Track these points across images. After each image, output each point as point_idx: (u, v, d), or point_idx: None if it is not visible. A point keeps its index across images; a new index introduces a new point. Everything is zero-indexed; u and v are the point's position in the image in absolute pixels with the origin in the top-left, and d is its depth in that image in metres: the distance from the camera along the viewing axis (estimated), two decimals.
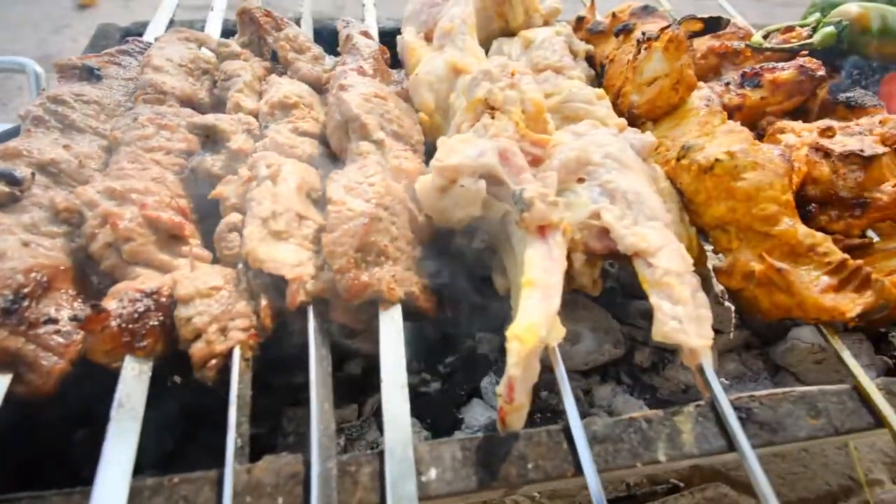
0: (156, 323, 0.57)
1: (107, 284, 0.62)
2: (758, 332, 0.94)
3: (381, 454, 0.53)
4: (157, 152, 0.73)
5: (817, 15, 1.09)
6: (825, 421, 0.60)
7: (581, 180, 0.74)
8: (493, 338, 0.85)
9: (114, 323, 0.55)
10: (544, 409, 0.80)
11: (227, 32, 1.03)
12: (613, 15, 1.08)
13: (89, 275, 0.65)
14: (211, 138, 0.74)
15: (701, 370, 0.61)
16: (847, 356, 0.64)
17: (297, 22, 1.09)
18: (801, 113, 1.03)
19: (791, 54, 1.01)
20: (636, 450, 0.56)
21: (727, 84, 1.00)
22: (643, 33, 0.92)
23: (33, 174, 0.66)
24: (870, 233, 0.82)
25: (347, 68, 0.83)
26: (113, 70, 0.86)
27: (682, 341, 0.59)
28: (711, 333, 0.65)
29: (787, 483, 1.16)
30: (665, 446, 0.57)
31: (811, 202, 0.83)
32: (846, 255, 0.70)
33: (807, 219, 0.82)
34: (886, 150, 0.78)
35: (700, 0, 1.95)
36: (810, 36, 1.01)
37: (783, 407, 0.61)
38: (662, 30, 0.90)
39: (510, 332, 0.55)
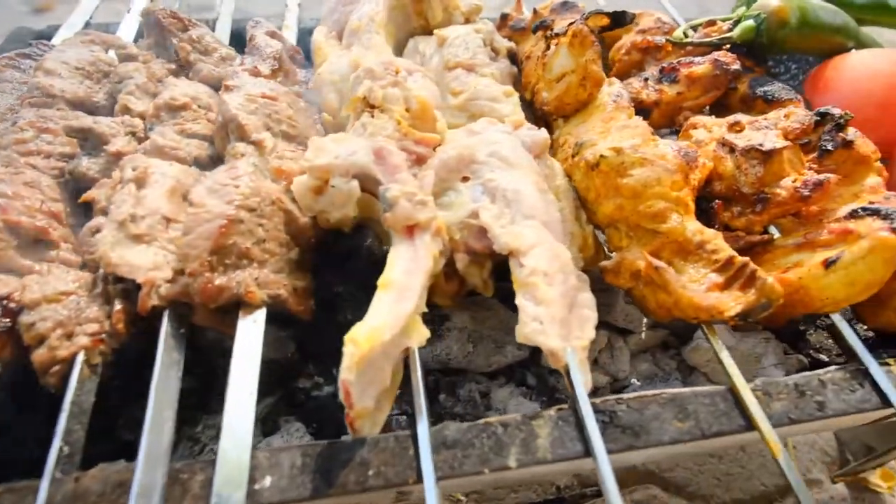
0: (1, 329, 0.56)
1: None
2: (676, 331, 0.91)
3: (212, 462, 0.52)
4: (35, 156, 0.72)
5: (743, 9, 1.07)
6: (692, 424, 0.58)
7: (466, 179, 0.72)
8: None
9: None
10: (444, 413, 0.78)
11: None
12: (535, 11, 1.07)
13: None
14: (90, 141, 0.73)
15: (567, 372, 0.59)
16: (725, 356, 0.62)
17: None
18: (722, 108, 1.01)
19: (711, 48, 0.99)
20: (486, 456, 0.54)
21: (646, 79, 0.98)
22: (551, 29, 0.90)
23: None
24: (773, 229, 0.80)
25: (240, 69, 0.82)
26: (9, 74, 0.85)
27: (541, 343, 0.57)
28: (588, 335, 0.63)
29: (723, 484, 1.13)
30: (518, 451, 0.55)
31: (718, 198, 0.81)
32: (733, 253, 0.68)
33: (710, 215, 0.80)
34: (787, 144, 0.76)
35: None
36: (731, 30, 0.99)
37: (650, 410, 0.59)
38: (569, 25, 0.88)
39: (347, 336, 0.53)
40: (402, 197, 0.62)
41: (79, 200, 0.69)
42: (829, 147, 0.79)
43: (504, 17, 1.11)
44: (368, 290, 0.87)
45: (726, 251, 0.68)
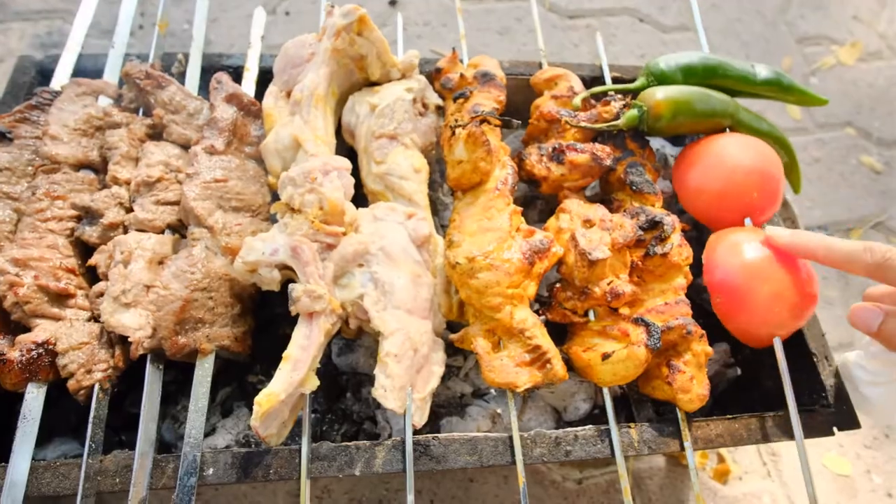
0: (45, 363, 0.89)
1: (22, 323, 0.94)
2: None
3: (178, 456, 0.87)
4: (51, 221, 0.99)
5: (643, 80, 1.21)
6: (477, 458, 0.92)
7: (361, 265, 0.99)
8: None
9: (17, 367, 0.87)
10: (345, 410, 1.13)
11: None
12: (461, 76, 1.21)
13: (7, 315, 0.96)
14: (89, 213, 1.00)
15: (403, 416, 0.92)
16: (513, 417, 0.94)
17: (187, 58, 1.25)
18: (605, 183, 1.20)
19: (600, 132, 1.15)
20: (342, 466, 0.90)
21: (542, 154, 1.17)
22: (456, 120, 1.08)
23: None
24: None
25: (199, 149, 1.04)
26: (23, 129, 1.08)
27: (383, 403, 0.89)
28: (429, 388, 0.95)
29: None
30: (362, 465, 0.90)
31: (563, 277, 1.07)
32: (540, 342, 0.96)
33: (550, 292, 1.06)
34: (607, 255, 0.99)
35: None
36: (618, 116, 1.14)
37: (453, 446, 0.93)
38: (471, 120, 1.06)
39: (256, 397, 0.85)
40: (303, 294, 0.90)
41: (86, 264, 0.98)
42: (651, 253, 1.03)
43: (438, 71, 1.25)
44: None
45: (537, 339, 0.96)
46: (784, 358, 1.01)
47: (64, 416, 1.01)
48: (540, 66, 1.35)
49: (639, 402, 1.09)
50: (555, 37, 2.08)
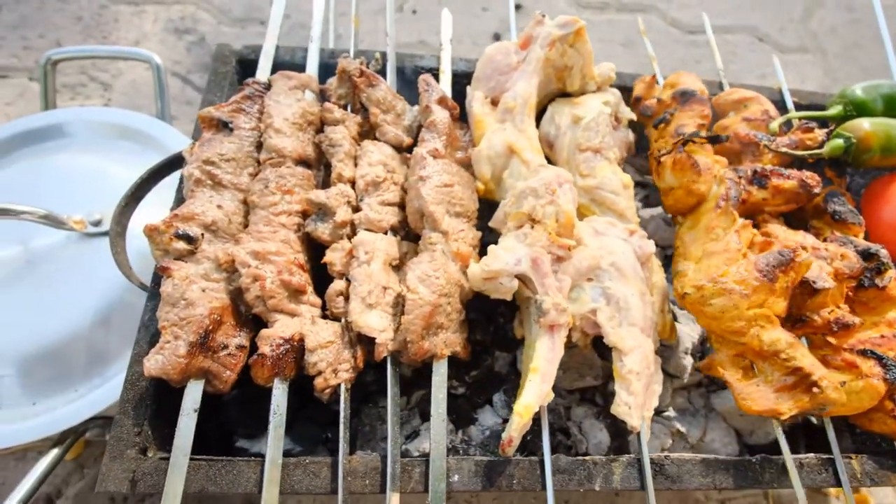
0: (291, 359, 0.89)
1: (250, 315, 0.94)
2: (711, 377, 1.23)
3: (426, 461, 0.88)
4: (282, 216, 0.99)
5: (839, 108, 1.21)
6: (710, 480, 0.92)
7: (590, 280, 0.99)
8: (507, 357, 1.17)
9: (269, 362, 0.87)
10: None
11: (323, 66, 1.21)
12: (659, 100, 1.21)
13: (239, 306, 0.96)
14: (321, 210, 0.99)
15: (638, 436, 0.92)
16: (790, 462, 0.95)
17: (385, 56, 1.25)
18: (798, 209, 1.21)
19: (802, 159, 1.16)
20: (582, 480, 0.90)
21: (740, 176, 1.17)
22: (659, 150, 1.08)
23: (203, 234, 0.94)
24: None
25: (426, 151, 1.04)
26: (241, 119, 1.07)
27: (627, 421, 0.90)
28: (654, 406, 0.96)
29: None
30: (601, 480, 0.90)
31: None
32: (802, 364, 0.94)
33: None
34: (833, 285, 1.00)
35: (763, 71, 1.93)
36: (822, 144, 1.15)
37: (686, 466, 0.93)
38: (675, 145, 1.06)
39: (516, 408, 0.85)
40: (552, 308, 0.90)
41: (321, 261, 0.97)
42: (866, 285, 1.03)
43: (637, 101, 1.25)
44: (489, 316, 1.18)
45: (795, 361, 0.94)
46: None
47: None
48: (720, 86, 1.35)
49: (838, 431, 1.09)
50: (677, 52, 2.09)
